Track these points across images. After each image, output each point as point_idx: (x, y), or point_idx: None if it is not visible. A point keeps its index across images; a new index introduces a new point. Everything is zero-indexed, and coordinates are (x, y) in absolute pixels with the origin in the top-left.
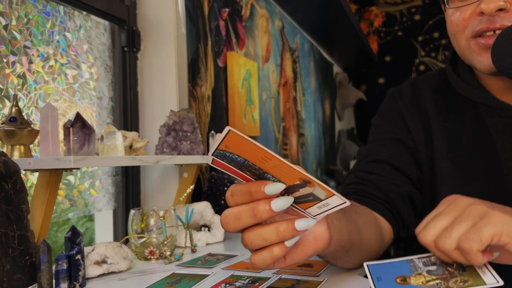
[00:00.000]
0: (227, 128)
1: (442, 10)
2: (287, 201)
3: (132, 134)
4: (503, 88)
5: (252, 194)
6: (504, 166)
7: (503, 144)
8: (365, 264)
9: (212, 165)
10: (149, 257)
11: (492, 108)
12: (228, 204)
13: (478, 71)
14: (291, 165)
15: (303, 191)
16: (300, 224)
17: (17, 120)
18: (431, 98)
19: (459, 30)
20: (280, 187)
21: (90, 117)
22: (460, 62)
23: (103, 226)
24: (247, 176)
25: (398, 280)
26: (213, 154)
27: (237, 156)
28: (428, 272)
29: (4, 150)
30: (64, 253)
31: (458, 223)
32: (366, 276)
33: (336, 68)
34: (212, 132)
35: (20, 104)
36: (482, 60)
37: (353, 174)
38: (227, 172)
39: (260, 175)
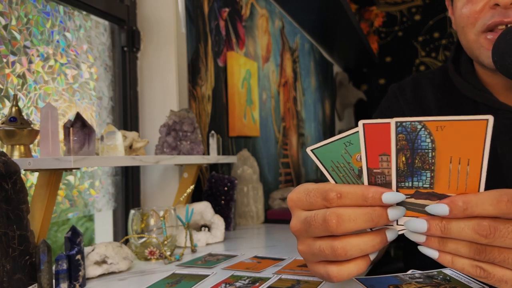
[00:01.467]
0: (486, 116)
1: (443, 9)
2: (402, 211)
3: (132, 134)
4: (505, 87)
5: (366, 200)
6: (503, 168)
7: (503, 145)
8: (353, 278)
9: (362, 123)
10: (149, 257)
11: (493, 109)
12: (327, 204)
13: (482, 68)
14: (483, 179)
15: (422, 201)
16: (390, 235)
17: (17, 120)
18: (433, 97)
19: (469, 23)
20: (400, 197)
21: (90, 117)
22: (462, 61)
23: (103, 226)
24: (381, 163)
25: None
26: (399, 121)
27: (430, 141)
28: (417, 282)
29: (4, 150)
30: (64, 253)
31: None
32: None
33: (336, 68)
34: (212, 132)
35: (20, 104)
36: (490, 56)
37: None
38: (363, 144)
39: (415, 168)
